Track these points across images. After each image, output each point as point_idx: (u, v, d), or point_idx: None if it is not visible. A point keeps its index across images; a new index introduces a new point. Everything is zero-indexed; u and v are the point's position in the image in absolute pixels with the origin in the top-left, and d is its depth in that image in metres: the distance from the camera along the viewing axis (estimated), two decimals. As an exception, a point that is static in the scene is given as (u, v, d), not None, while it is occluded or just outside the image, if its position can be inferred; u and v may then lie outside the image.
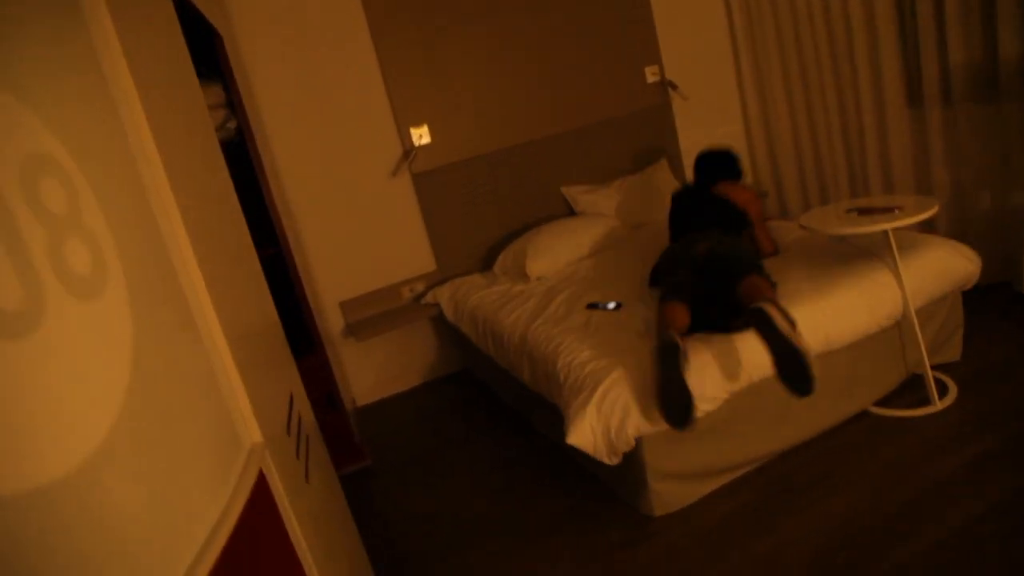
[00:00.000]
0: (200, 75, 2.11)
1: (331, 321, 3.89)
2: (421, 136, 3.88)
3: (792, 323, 2.14)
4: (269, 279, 2.15)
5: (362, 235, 3.88)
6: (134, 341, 0.96)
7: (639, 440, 2.30)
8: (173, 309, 1.12)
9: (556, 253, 3.68)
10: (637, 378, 2.28)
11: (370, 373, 4.05)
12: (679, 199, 3.23)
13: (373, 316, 3.94)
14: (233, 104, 2.81)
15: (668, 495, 2.41)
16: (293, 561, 1.28)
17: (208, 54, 2.75)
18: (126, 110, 1.11)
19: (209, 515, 1.04)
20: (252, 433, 1.24)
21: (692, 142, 4.59)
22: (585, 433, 2.28)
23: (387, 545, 2.66)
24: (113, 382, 0.90)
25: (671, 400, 2.14)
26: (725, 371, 2.32)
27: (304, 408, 2.01)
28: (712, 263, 2.62)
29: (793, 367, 2.09)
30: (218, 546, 1.01)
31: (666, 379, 2.15)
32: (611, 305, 2.91)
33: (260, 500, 1.18)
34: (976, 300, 2.99)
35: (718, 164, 3.23)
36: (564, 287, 3.34)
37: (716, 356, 2.33)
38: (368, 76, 3.76)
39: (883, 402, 2.75)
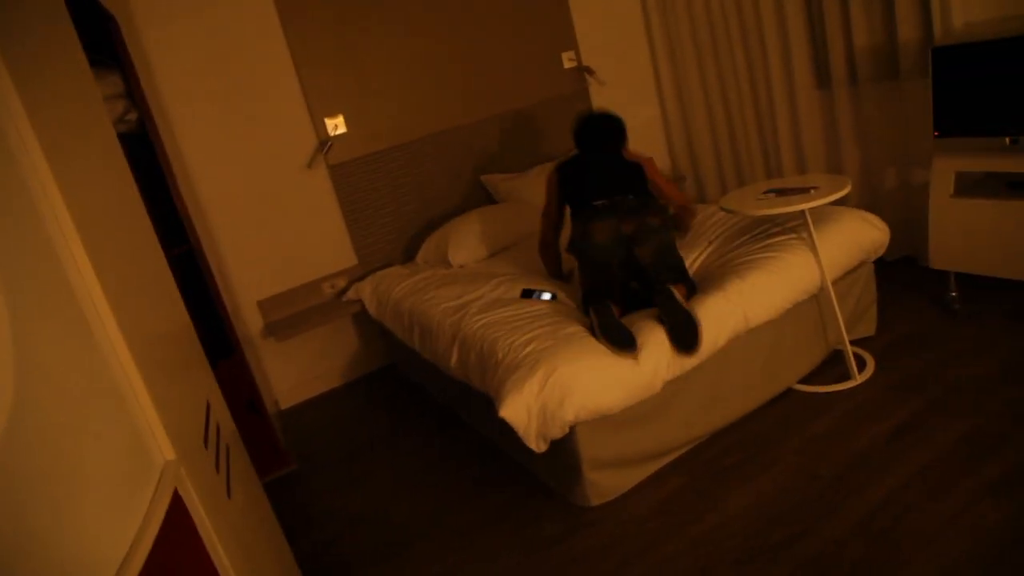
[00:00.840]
0: (94, 63, 1.96)
1: (249, 321, 3.72)
2: (336, 126, 3.75)
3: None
4: (180, 279, 2.02)
5: (278, 230, 3.72)
6: (15, 355, 0.86)
7: (573, 429, 2.27)
8: (65, 318, 1.01)
9: (479, 241, 3.62)
10: (580, 364, 2.24)
11: (292, 374, 3.90)
12: (582, 169, 2.87)
13: (293, 314, 3.79)
14: (133, 94, 2.63)
15: (603, 484, 2.40)
16: (216, 584, 1.19)
17: (103, 40, 2.56)
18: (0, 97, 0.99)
19: (120, 543, 0.94)
20: (164, 450, 1.14)
21: (611, 128, 4.60)
22: (519, 409, 2.21)
23: (319, 552, 2.56)
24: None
25: (615, 333, 2.32)
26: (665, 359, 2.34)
27: (223, 416, 1.89)
28: (645, 260, 2.60)
29: (687, 331, 2.33)
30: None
31: (606, 323, 2.35)
32: (546, 295, 2.85)
33: (176, 522, 1.09)
34: (885, 275, 3.09)
35: (619, 128, 2.95)
36: (490, 274, 3.28)
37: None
38: (279, 64, 3.60)
39: (807, 379, 2.82)
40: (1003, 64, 2.65)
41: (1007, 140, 2.67)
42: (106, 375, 1.06)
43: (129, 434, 1.08)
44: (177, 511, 1.10)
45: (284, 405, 3.91)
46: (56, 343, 0.96)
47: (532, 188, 4.00)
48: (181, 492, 1.14)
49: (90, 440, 0.98)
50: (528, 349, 2.37)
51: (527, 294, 2.89)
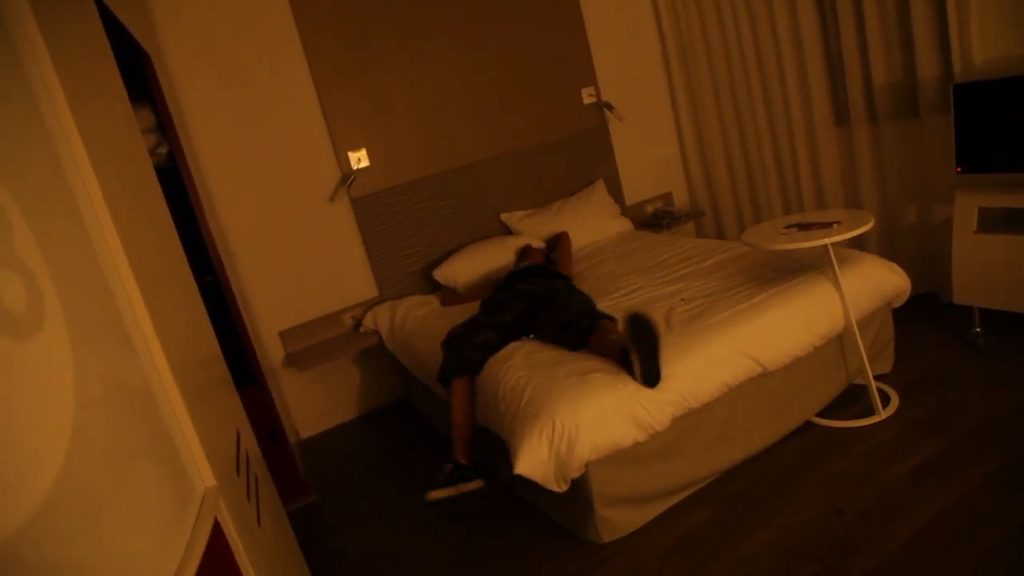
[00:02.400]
0: (129, 98, 2.01)
1: (271, 351, 3.75)
2: (360, 160, 3.80)
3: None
4: (207, 309, 2.05)
5: (301, 262, 3.77)
6: (75, 382, 0.88)
7: (586, 467, 2.26)
8: (115, 344, 1.03)
9: (477, 264, 3.78)
10: (581, 404, 2.25)
11: (312, 404, 3.91)
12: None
13: (314, 345, 3.82)
14: (164, 128, 2.69)
15: (615, 521, 2.37)
16: (252, 613, 1.19)
17: (137, 76, 2.62)
18: (61, 135, 1.03)
19: (165, 569, 0.95)
20: (205, 476, 1.16)
21: (629, 163, 4.65)
22: (534, 464, 2.22)
23: (337, 584, 2.55)
24: (56, 428, 0.81)
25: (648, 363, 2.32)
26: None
27: (251, 445, 1.91)
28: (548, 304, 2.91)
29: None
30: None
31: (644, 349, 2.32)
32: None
33: (217, 550, 1.10)
34: (905, 312, 3.09)
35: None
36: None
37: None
38: (304, 99, 3.67)
39: (826, 413, 2.80)
40: (1024, 101, 2.67)
41: (1029, 176, 2.67)
42: (152, 402, 1.08)
43: (172, 460, 1.10)
44: (217, 538, 1.11)
45: (304, 435, 3.92)
46: (106, 369, 0.98)
47: (551, 224, 4.03)
48: (220, 519, 1.15)
49: (137, 466, 0.99)
50: (528, 396, 2.38)
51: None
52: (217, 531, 1.12)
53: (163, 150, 2.75)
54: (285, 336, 3.76)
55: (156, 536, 0.98)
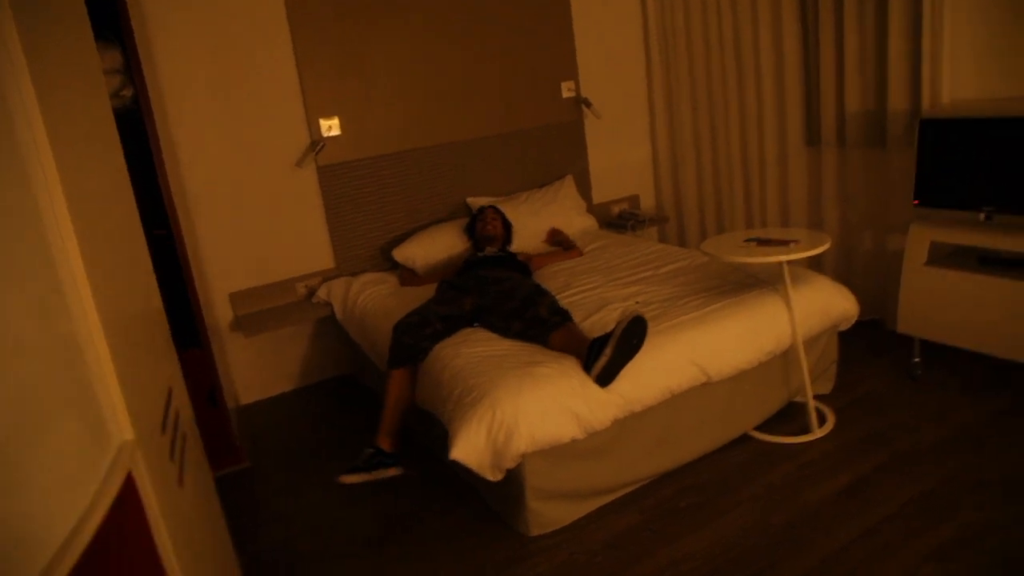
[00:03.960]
0: (96, 36, 1.94)
1: (219, 313, 3.68)
2: (331, 128, 3.75)
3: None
4: (155, 263, 2.00)
5: (259, 225, 3.70)
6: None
7: (522, 458, 2.26)
8: (41, 285, 1.00)
9: (436, 247, 3.79)
10: (523, 397, 2.25)
11: (256, 371, 3.86)
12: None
13: (264, 311, 3.76)
14: (131, 71, 2.62)
15: (546, 515, 2.38)
16: (159, 571, 1.16)
17: (107, 12, 2.54)
18: (5, 56, 0.98)
19: (66, 519, 0.92)
20: (123, 429, 1.12)
21: (600, 162, 4.66)
22: (469, 450, 2.22)
23: (259, 553, 2.52)
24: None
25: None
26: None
27: (183, 404, 1.87)
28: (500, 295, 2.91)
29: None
30: (73, 554, 0.90)
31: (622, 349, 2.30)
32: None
33: (126, 504, 1.07)
34: (852, 335, 3.15)
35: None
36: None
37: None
38: (280, 60, 3.60)
39: (764, 427, 2.85)
40: (985, 142, 2.74)
41: (982, 216, 2.74)
42: (75, 347, 1.05)
43: (90, 409, 1.07)
44: (129, 492, 1.09)
45: (244, 401, 3.86)
46: (28, 309, 0.95)
47: (515, 213, 4.02)
48: (135, 474, 1.12)
49: (49, 410, 0.96)
50: (473, 383, 2.38)
51: None
52: (130, 485, 1.09)
53: (127, 92, 2.67)
54: (235, 298, 3.69)
55: (63, 483, 0.95)
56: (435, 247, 3.78)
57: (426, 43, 3.93)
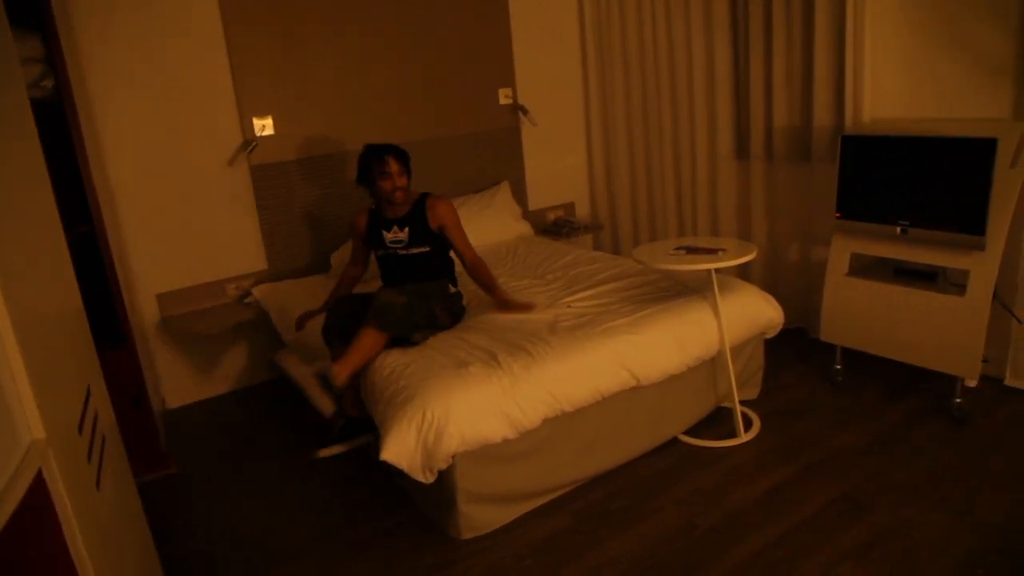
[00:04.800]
0: (14, 22, 1.87)
1: (145, 313, 3.56)
2: (264, 127, 3.68)
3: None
4: (76, 260, 1.93)
5: (189, 223, 3.60)
6: None
7: (454, 460, 2.26)
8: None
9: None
10: (453, 397, 2.26)
11: (183, 374, 3.75)
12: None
13: (193, 312, 3.65)
14: (53, 60, 2.52)
15: (477, 518, 2.39)
16: (71, 574, 1.12)
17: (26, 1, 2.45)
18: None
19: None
20: (33, 428, 1.08)
21: (536, 169, 4.70)
22: (400, 451, 2.21)
23: (186, 562, 2.45)
24: None
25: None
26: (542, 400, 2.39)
27: (103, 406, 1.81)
28: None
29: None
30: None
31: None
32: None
33: (35, 506, 1.03)
34: (777, 342, 3.26)
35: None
36: None
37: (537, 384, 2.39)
38: (213, 55, 3.51)
39: (692, 431, 2.92)
40: (902, 160, 2.88)
41: (898, 230, 2.88)
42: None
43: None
44: (38, 493, 1.05)
45: (171, 405, 3.74)
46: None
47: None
48: (45, 473, 1.08)
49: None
50: (403, 383, 2.38)
51: None
52: (40, 486, 1.05)
53: (48, 83, 2.57)
54: (162, 299, 3.59)
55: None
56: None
57: (364, 45, 3.90)
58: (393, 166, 2.89)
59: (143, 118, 3.39)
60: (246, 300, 3.72)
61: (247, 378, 3.93)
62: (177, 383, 3.74)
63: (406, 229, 2.96)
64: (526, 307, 2.91)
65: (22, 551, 0.98)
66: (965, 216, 2.68)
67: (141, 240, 3.48)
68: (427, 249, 2.98)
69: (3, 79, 1.42)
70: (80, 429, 1.43)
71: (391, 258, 3.00)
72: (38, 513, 1.04)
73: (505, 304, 2.94)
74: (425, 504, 2.55)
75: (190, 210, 3.59)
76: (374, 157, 2.91)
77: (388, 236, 2.98)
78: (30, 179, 1.49)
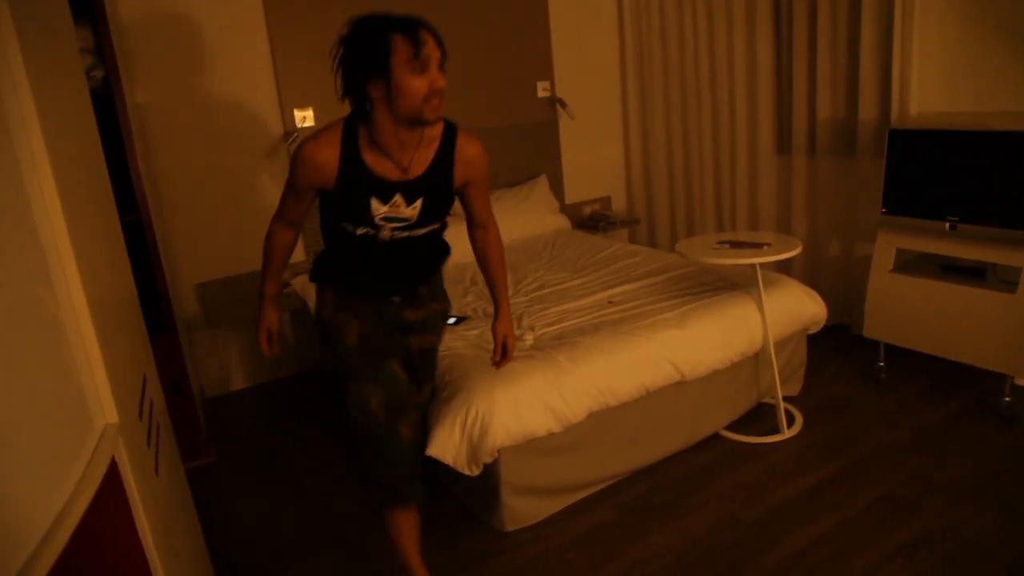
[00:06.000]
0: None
1: (186, 302, 3.60)
2: (305, 119, 3.70)
3: None
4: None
5: (229, 214, 3.63)
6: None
7: (497, 454, 2.26)
8: (28, 266, 0.97)
9: None
10: (496, 393, 2.25)
11: (222, 363, 3.79)
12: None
13: (231, 301, 3.69)
14: (103, 51, 2.55)
15: (521, 510, 2.39)
16: (141, 563, 1.14)
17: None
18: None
19: (51, 505, 0.90)
20: (107, 412, 1.10)
21: (573, 162, 4.68)
22: (446, 446, 2.22)
23: (228, 549, 2.47)
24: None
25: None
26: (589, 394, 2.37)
27: (156, 393, 1.83)
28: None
29: None
30: (59, 544, 0.87)
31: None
32: (451, 320, 2.80)
33: (111, 490, 1.04)
34: (818, 339, 3.22)
35: None
36: None
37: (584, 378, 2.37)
38: (256, 45, 3.54)
39: (734, 427, 2.89)
40: (951, 154, 2.82)
41: (947, 225, 2.82)
42: (59, 327, 1.02)
43: (73, 391, 1.04)
44: (112, 479, 1.06)
45: (209, 394, 3.79)
46: (12, 290, 0.92)
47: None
48: (117, 459, 1.10)
49: (32, 390, 0.93)
50: (446, 379, 2.36)
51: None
52: (113, 471, 1.06)
53: (98, 74, 2.61)
54: (203, 288, 3.63)
55: (45, 469, 0.92)
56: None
57: (404, 37, 3.90)
58: (433, 48, 1.67)
59: (185, 109, 3.42)
60: (284, 291, 3.74)
61: (281, 369, 3.96)
62: (216, 372, 3.78)
63: (419, 201, 1.74)
64: (510, 347, 2.01)
65: (97, 540, 0.99)
66: (1016, 211, 2.62)
67: (183, 229, 3.53)
68: (438, 226, 1.87)
69: (71, 70, 1.44)
70: (140, 415, 1.45)
71: (374, 244, 1.79)
72: (111, 498, 1.06)
73: (504, 326, 2.00)
74: (466, 496, 2.56)
75: (230, 200, 3.62)
76: (397, 31, 1.64)
77: (383, 209, 1.72)
78: (95, 170, 1.51)
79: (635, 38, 4.62)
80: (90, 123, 1.60)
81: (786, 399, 3.04)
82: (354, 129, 1.76)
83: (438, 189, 1.79)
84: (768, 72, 3.87)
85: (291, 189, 1.91)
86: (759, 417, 2.96)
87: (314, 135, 1.78)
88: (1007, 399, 2.79)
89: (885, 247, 3.09)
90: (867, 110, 3.37)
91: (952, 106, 3.14)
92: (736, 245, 2.83)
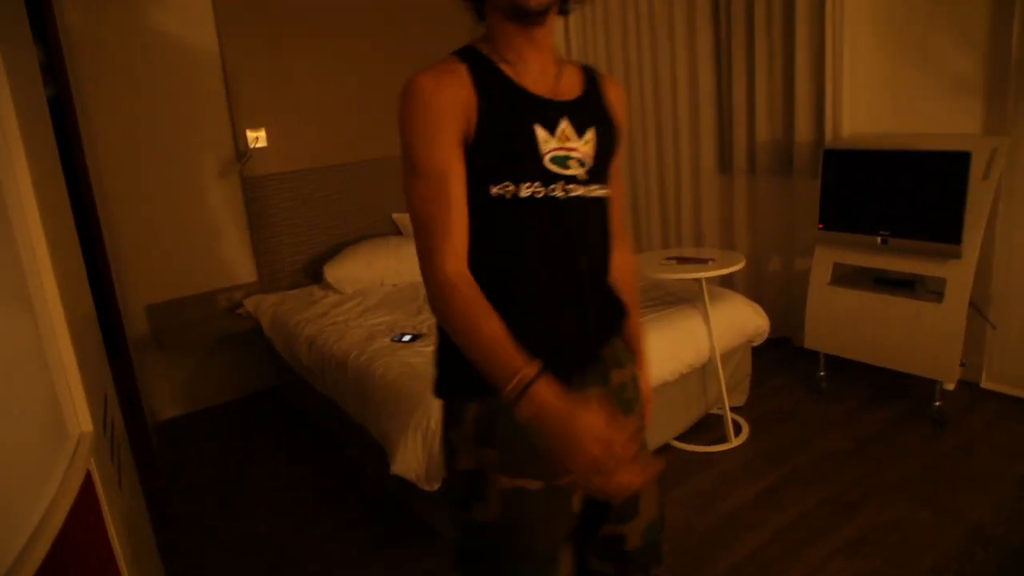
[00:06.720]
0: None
1: (136, 324, 3.54)
2: (257, 139, 3.71)
3: None
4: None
5: (180, 235, 3.60)
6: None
7: None
8: (7, 271, 0.98)
9: (371, 269, 3.71)
10: None
11: (173, 386, 3.73)
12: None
13: (183, 323, 3.65)
14: (54, 70, 2.53)
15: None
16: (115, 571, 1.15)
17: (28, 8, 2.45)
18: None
19: (30, 516, 0.91)
20: (82, 420, 1.11)
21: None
22: (410, 461, 2.24)
23: (181, 574, 2.44)
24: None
25: None
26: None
27: (115, 412, 1.82)
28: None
29: None
30: (39, 554, 0.89)
31: None
32: (406, 337, 2.88)
33: (86, 502, 1.06)
34: (761, 351, 3.35)
35: None
36: (379, 308, 3.34)
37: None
38: (208, 68, 3.54)
39: (684, 437, 2.98)
40: (881, 173, 3.00)
41: (879, 240, 2.99)
42: (35, 336, 1.03)
43: (48, 400, 1.05)
44: (87, 491, 1.07)
45: (160, 417, 3.72)
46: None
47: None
48: (91, 468, 1.11)
49: (9, 403, 0.95)
50: (404, 392, 2.39)
51: (397, 339, 2.89)
52: (89, 483, 1.08)
53: (49, 91, 2.58)
54: (152, 310, 3.58)
55: (24, 480, 0.93)
56: (369, 266, 3.71)
57: (354, 61, 3.96)
58: None
59: (136, 129, 3.40)
60: (237, 311, 3.72)
61: (234, 390, 3.92)
62: (166, 395, 3.72)
63: (590, 132, 1.24)
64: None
65: (75, 550, 1.00)
66: (942, 226, 2.80)
67: (132, 250, 3.48)
68: (607, 192, 1.29)
69: (34, 89, 1.45)
70: (104, 430, 1.45)
71: (556, 207, 1.18)
72: (86, 510, 1.07)
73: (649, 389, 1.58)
74: (424, 511, 2.57)
75: (181, 221, 3.59)
76: None
77: (551, 143, 1.17)
78: (57, 187, 1.51)
79: (580, 57, 4.74)
80: (51, 142, 1.61)
81: (733, 409, 3.15)
82: (474, 51, 1.26)
83: (604, 119, 1.27)
84: (710, 96, 4.04)
85: (437, 173, 1.14)
86: (707, 427, 3.06)
87: (417, 72, 1.21)
88: (937, 404, 2.95)
89: (822, 261, 3.25)
90: (803, 132, 3.55)
91: (882, 128, 3.33)
92: (682, 260, 2.94)
